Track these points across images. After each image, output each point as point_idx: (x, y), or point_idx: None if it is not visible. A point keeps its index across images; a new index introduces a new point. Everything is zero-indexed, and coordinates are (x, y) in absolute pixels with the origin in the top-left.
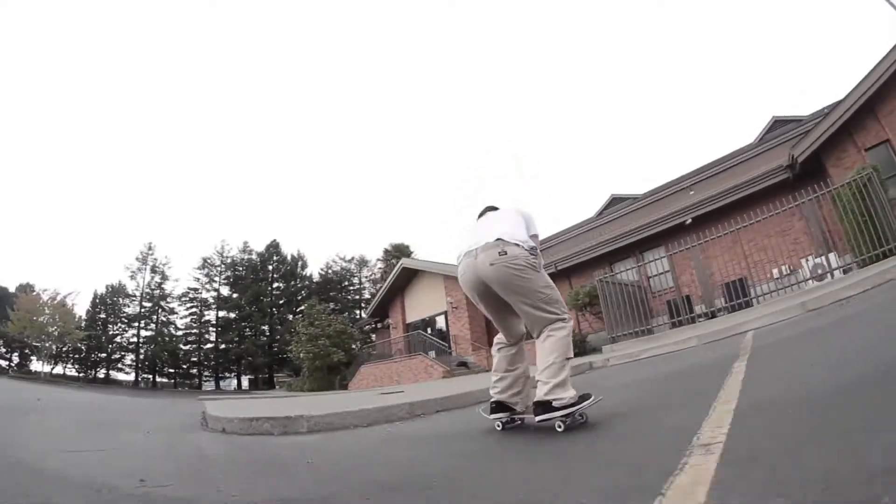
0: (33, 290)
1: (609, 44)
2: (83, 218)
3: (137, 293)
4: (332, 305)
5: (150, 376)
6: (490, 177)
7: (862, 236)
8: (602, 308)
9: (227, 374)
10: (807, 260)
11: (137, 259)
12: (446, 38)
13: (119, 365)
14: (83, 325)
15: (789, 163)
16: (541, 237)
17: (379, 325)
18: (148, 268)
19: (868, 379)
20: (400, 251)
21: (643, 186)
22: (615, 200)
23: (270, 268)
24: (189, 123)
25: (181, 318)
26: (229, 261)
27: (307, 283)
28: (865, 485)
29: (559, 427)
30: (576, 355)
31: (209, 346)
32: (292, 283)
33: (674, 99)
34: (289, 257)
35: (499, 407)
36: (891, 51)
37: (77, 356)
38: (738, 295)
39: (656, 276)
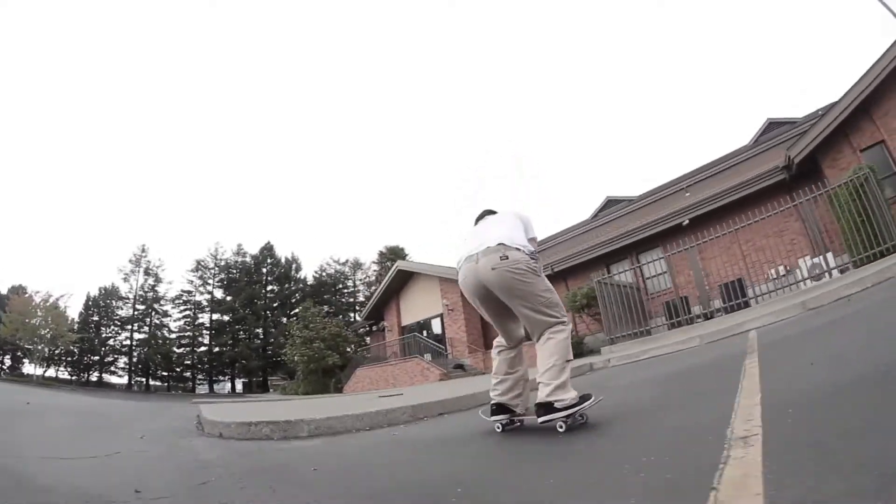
0: (25, 292)
1: (605, 45)
2: (76, 219)
3: (131, 295)
4: (326, 308)
5: (144, 379)
6: (490, 177)
7: (859, 235)
8: (600, 309)
9: (220, 378)
10: (804, 260)
11: (131, 261)
12: (446, 38)
13: (112, 368)
14: (76, 327)
15: (786, 163)
16: (538, 239)
17: (374, 328)
18: (141, 270)
19: (891, 372)
20: (395, 253)
21: (637, 189)
22: (610, 202)
23: (264, 270)
24: (183, 124)
25: (175, 320)
26: (223, 263)
27: (301, 285)
28: None
29: (560, 428)
30: (574, 357)
31: (203, 349)
32: (286, 285)
33: (667, 101)
34: (283, 260)
35: (499, 409)
36: (886, 52)
37: (70, 359)
38: (736, 295)
39: (653, 277)
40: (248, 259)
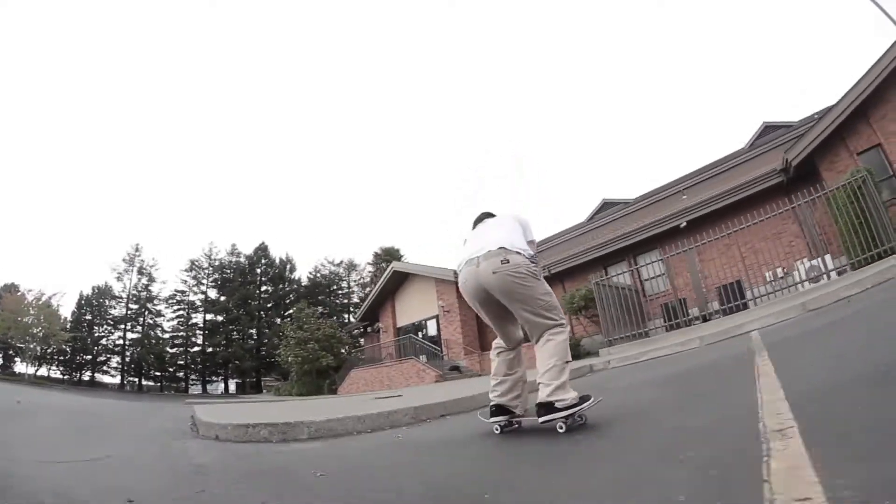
0: (18, 290)
1: (603, 48)
2: (69, 217)
3: (124, 295)
4: (320, 309)
5: (136, 379)
6: (490, 177)
7: (857, 237)
8: (599, 311)
9: (214, 378)
10: (801, 262)
11: (124, 260)
12: (446, 38)
13: (105, 367)
14: (68, 326)
15: (783, 166)
16: (536, 241)
17: (368, 330)
18: (135, 269)
19: None
20: (390, 255)
21: (633, 192)
22: (606, 205)
23: (259, 271)
24: (179, 122)
25: (168, 320)
26: (217, 263)
27: (295, 286)
28: None
29: (560, 428)
30: (571, 359)
31: (196, 349)
32: (280, 286)
33: (662, 105)
34: (277, 260)
35: (499, 410)
36: (882, 57)
37: (62, 358)
38: (735, 297)
39: (651, 279)
40: (242, 259)
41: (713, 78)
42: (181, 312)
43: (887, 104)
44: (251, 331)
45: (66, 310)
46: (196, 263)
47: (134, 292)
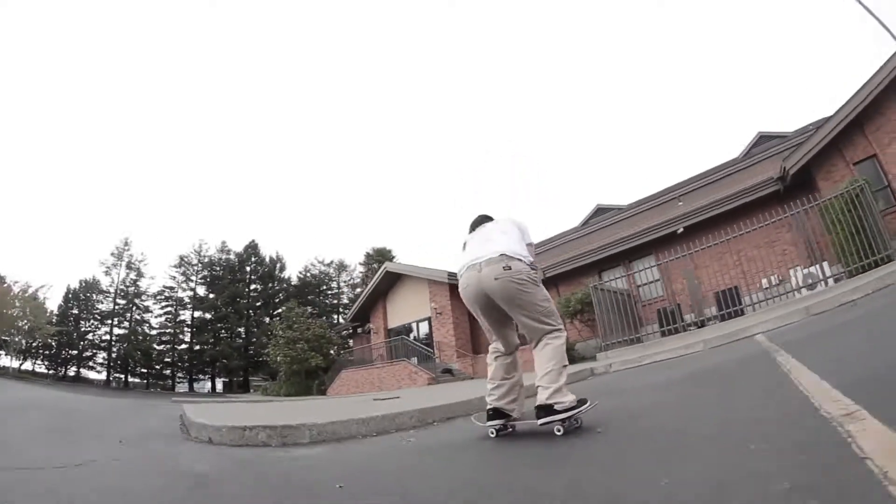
0: (3, 282)
1: (599, 56)
2: (58, 209)
3: (112, 289)
4: (310, 309)
5: (122, 376)
6: (490, 177)
7: (853, 245)
8: (596, 315)
9: (200, 376)
10: (795, 270)
11: (113, 254)
12: (445, 38)
13: (90, 363)
14: (54, 320)
15: (780, 174)
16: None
17: (359, 331)
18: (123, 264)
19: None
20: (382, 255)
21: (626, 198)
22: (600, 210)
23: (248, 269)
24: (171, 118)
25: (156, 317)
26: (206, 260)
27: (285, 285)
28: None
29: (558, 431)
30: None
31: (183, 346)
32: (270, 285)
33: (656, 113)
34: (267, 259)
35: (496, 414)
36: (878, 70)
37: (47, 352)
38: (732, 303)
39: (646, 284)
40: (232, 257)
41: (708, 86)
42: (169, 309)
43: (882, 116)
44: (240, 329)
45: (53, 303)
46: (185, 260)
47: (122, 287)
